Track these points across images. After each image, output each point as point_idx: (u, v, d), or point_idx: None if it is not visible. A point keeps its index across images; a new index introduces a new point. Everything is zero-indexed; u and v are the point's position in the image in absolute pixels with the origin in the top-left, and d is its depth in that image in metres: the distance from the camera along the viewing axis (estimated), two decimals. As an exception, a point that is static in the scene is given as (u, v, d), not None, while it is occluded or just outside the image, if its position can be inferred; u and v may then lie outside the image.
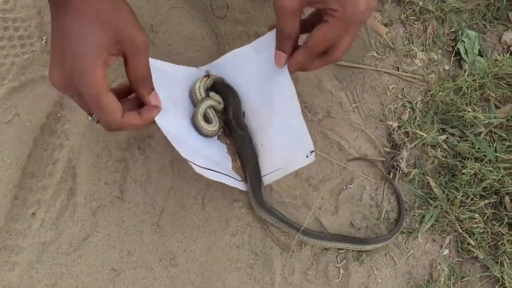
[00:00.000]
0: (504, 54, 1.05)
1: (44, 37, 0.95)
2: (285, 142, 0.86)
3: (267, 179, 0.90)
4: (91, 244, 0.87)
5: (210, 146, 0.91)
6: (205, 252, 0.88)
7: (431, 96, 0.99)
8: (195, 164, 0.80)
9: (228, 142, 0.94)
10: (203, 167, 0.83)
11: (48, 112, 0.92)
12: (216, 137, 0.93)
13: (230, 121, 0.92)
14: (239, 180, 0.90)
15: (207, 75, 0.91)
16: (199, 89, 0.89)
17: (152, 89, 0.74)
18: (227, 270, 0.88)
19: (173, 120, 0.83)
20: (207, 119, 0.90)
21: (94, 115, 0.69)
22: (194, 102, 0.90)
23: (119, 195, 0.90)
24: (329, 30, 0.69)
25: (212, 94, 0.90)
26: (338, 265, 0.89)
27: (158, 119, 0.77)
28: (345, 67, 1.00)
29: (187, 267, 0.87)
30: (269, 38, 0.81)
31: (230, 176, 0.89)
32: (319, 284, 0.88)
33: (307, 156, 0.84)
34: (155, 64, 0.83)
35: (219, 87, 0.91)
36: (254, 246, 0.90)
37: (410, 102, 0.99)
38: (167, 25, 0.99)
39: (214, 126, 0.90)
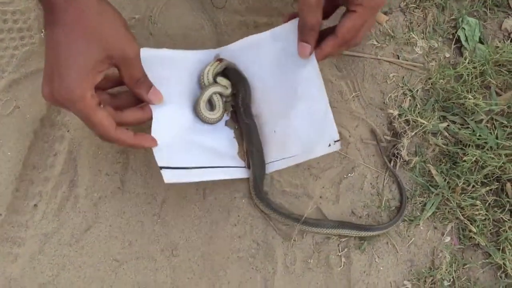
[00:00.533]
0: (505, 41, 1.05)
1: (43, 29, 0.95)
2: (306, 129, 0.86)
3: (277, 165, 0.90)
4: (92, 235, 0.88)
5: (215, 134, 0.92)
6: (206, 242, 0.88)
7: (431, 84, 0.99)
8: (184, 168, 0.82)
9: (236, 126, 0.94)
10: (201, 167, 0.85)
11: (48, 104, 0.92)
12: (223, 122, 0.93)
13: (239, 108, 0.92)
14: (242, 167, 0.90)
15: (220, 60, 0.90)
16: (207, 74, 0.89)
17: (150, 86, 0.74)
18: (229, 259, 0.88)
19: (171, 119, 0.84)
20: (211, 105, 0.90)
21: None
22: (201, 87, 0.90)
23: (120, 186, 0.90)
24: (358, 19, 0.72)
25: (219, 79, 0.90)
26: (339, 254, 0.89)
27: (154, 128, 0.80)
28: (345, 56, 0.99)
29: (189, 256, 0.88)
30: (289, 27, 0.83)
31: (231, 167, 0.89)
32: (321, 273, 0.88)
33: (329, 145, 0.83)
34: (160, 53, 0.84)
35: (230, 73, 0.91)
36: (255, 236, 0.90)
37: (410, 90, 0.98)
38: (166, 16, 0.99)
39: (216, 114, 0.90)
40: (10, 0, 0.97)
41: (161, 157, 0.80)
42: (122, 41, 0.66)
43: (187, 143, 0.86)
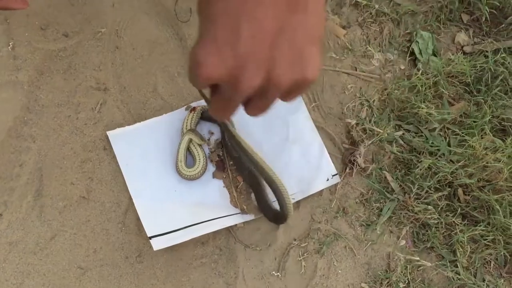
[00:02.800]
0: (457, 54, 1.10)
1: (10, 43, 0.98)
2: (302, 169, 0.96)
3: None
4: (57, 243, 0.89)
5: (204, 188, 0.94)
6: (170, 249, 0.90)
7: (387, 94, 1.04)
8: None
9: (225, 176, 0.96)
10: (191, 225, 0.90)
11: (15, 116, 0.95)
12: (211, 174, 0.95)
13: (226, 145, 0.95)
14: (236, 213, 0.93)
15: (193, 109, 0.94)
16: (187, 127, 0.93)
17: None
18: (192, 265, 0.91)
19: (155, 190, 0.92)
20: (193, 159, 0.94)
21: None
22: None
23: (85, 195, 0.92)
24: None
25: (189, 133, 0.92)
26: (300, 258, 0.93)
27: (137, 204, 0.90)
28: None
29: (153, 263, 0.90)
30: None
31: (224, 216, 0.92)
32: (282, 277, 0.91)
33: (327, 179, 0.95)
34: (128, 130, 0.94)
35: (209, 114, 0.94)
36: (218, 242, 0.92)
37: (367, 101, 1.03)
38: (132, 30, 1.02)
39: (196, 169, 0.92)
40: (-22, 15, 0.99)
41: (149, 226, 0.88)
42: None
43: (174, 206, 0.92)
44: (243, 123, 0.95)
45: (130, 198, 0.92)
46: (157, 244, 0.87)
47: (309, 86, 0.42)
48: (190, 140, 0.92)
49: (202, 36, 0.38)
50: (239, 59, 0.37)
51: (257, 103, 0.42)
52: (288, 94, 0.42)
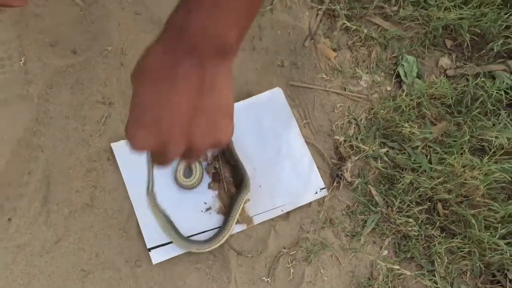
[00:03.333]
0: (441, 77, 1.18)
1: (22, 59, 1.04)
2: (292, 182, 1.03)
3: (267, 215, 1.01)
4: (62, 247, 0.96)
5: (199, 198, 1.02)
6: (167, 254, 0.97)
7: (374, 113, 1.11)
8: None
9: (219, 187, 1.03)
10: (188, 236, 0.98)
11: (25, 127, 1.01)
12: (206, 185, 1.02)
13: (224, 153, 1.03)
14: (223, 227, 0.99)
15: None
16: None
17: None
18: (187, 270, 0.97)
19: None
20: (190, 171, 1.01)
21: None
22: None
23: (89, 202, 0.98)
24: None
25: None
26: (289, 265, 0.99)
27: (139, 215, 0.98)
28: (297, 87, 1.11)
29: (151, 267, 0.96)
30: (271, 95, 1.07)
31: (217, 227, 1.00)
32: (272, 282, 0.98)
33: (316, 193, 1.03)
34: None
35: None
36: (212, 249, 0.99)
37: (355, 119, 1.10)
38: (136, 49, 1.09)
39: (192, 179, 1.00)
40: (-8, 31, 1.06)
41: (149, 236, 0.96)
42: None
43: (173, 216, 0.98)
44: (239, 138, 1.03)
45: (131, 207, 0.98)
46: (156, 257, 0.95)
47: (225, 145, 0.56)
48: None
49: (132, 115, 0.47)
50: (163, 136, 0.46)
51: (186, 156, 0.50)
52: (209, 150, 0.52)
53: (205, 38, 0.44)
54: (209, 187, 1.02)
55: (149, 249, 0.94)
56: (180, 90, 0.45)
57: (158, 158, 0.49)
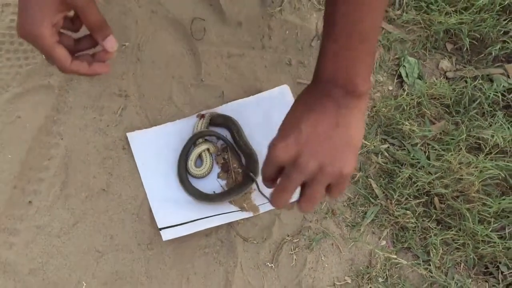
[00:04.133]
0: (441, 78, 1.23)
1: None
2: None
3: (269, 206, 1.02)
4: (79, 229, 1.01)
5: (209, 187, 1.07)
6: (177, 239, 1.02)
7: (376, 111, 1.17)
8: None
9: (228, 176, 1.08)
10: (196, 219, 1.02)
11: (46, 115, 1.07)
12: (215, 175, 1.08)
13: (237, 142, 1.08)
14: (236, 211, 1.05)
15: (202, 115, 1.08)
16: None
17: (107, 35, 0.76)
18: (196, 254, 1.03)
19: (164, 186, 1.05)
20: (201, 161, 1.07)
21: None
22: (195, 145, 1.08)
23: (105, 188, 1.04)
24: None
25: (207, 143, 1.07)
26: (291, 252, 1.05)
27: (150, 196, 1.04)
28: (304, 85, 1.17)
29: (162, 250, 1.02)
30: (273, 93, 1.13)
31: (224, 213, 1.05)
32: (275, 267, 1.03)
33: None
34: (144, 133, 1.07)
35: (217, 120, 1.09)
36: (220, 235, 1.05)
37: (358, 116, 1.16)
38: (152, 45, 1.15)
39: (202, 169, 1.06)
40: (17, 25, 1.12)
41: (160, 219, 1.01)
42: None
43: (182, 202, 1.05)
44: (248, 131, 1.09)
45: (145, 193, 1.04)
46: (166, 235, 0.99)
47: (347, 182, 0.68)
48: (208, 149, 1.06)
49: (279, 134, 0.67)
50: (299, 146, 0.61)
51: (307, 192, 0.65)
52: (331, 187, 0.65)
53: (336, 86, 0.64)
54: (218, 176, 1.08)
55: (160, 229, 0.99)
56: (318, 116, 0.63)
57: (283, 182, 0.67)
